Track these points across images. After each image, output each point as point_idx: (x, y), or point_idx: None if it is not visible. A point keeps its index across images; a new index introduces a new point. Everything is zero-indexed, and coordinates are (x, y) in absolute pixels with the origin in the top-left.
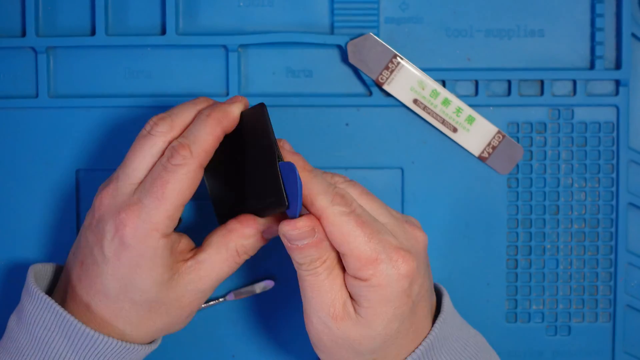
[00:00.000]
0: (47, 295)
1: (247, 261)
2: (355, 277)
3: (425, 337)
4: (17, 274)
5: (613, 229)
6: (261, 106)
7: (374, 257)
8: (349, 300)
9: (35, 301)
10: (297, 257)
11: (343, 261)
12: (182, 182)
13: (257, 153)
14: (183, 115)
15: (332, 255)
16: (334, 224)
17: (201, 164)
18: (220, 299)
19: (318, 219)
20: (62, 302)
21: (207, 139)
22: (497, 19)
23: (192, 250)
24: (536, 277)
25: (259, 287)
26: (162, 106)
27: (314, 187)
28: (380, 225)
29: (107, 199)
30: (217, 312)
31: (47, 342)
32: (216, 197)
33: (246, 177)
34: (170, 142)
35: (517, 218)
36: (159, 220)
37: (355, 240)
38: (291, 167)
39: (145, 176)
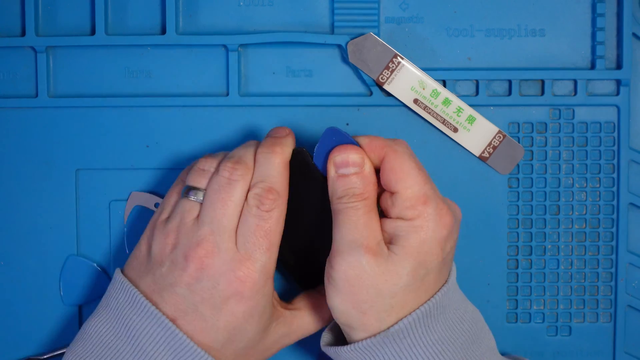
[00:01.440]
0: (157, 310)
1: None
2: (399, 217)
3: (424, 302)
4: (17, 274)
5: (614, 229)
6: (301, 152)
7: (425, 199)
8: (383, 242)
9: (144, 314)
10: (339, 189)
11: (389, 202)
12: (280, 224)
13: (316, 207)
14: (250, 157)
15: (373, 197)
16: (397, 158)
17: (286, 201)
18: None
19: (383, 156)
20: None
21: (281, 173)
22: (498, 19)
23: (281, 302)
24: (537, 277)
25: None
26: (163, 106)
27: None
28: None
29: (209, 259)
30: None
31: (153, 356)
32: (287, 260)
33: (318, 235)
34: (248, 186)
35: (517, 218)
36: (272, 268)
37: (413, 180)
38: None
39: (237, 225)
